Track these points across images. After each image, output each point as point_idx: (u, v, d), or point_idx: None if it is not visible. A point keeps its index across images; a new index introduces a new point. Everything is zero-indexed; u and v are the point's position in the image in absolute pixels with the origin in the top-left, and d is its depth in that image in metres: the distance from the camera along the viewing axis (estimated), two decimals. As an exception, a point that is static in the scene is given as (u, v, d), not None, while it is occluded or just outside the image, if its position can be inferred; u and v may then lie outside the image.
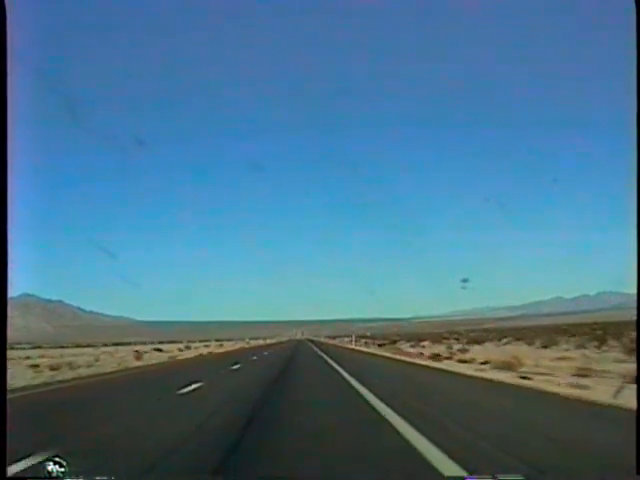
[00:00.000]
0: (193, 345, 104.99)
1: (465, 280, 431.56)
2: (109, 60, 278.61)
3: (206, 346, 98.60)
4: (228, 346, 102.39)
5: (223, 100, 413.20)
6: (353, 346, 78.93)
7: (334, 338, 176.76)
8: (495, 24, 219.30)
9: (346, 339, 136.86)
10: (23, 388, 18.51)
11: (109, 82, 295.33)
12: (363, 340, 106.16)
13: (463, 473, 5.84)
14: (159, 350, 73.04)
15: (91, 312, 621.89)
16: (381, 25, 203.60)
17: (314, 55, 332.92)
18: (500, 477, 4.82)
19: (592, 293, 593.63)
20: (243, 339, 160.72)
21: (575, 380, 15.87)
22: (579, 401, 11.96)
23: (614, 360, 24.56)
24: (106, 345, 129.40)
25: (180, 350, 73.77)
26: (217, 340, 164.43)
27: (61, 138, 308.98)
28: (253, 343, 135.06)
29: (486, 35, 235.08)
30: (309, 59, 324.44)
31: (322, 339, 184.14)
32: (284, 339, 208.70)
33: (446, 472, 5.92)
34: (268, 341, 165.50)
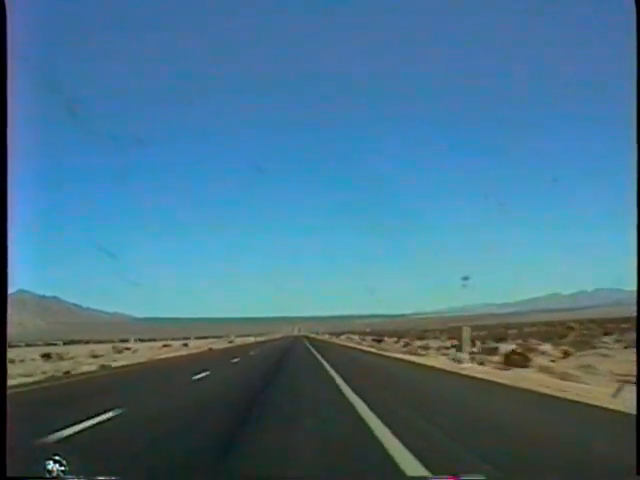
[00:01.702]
0: (149, 345, 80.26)
1: (466, 278, 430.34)
2: (109, 60, 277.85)
3: (165, 346, 75.85)
4: (198, 346, 77.80)
5: (224, 100, 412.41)
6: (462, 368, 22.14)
7: (338, 335, 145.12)
8: (494, 23, 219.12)
9: (355, 337, 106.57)
10: None
11: (109, 82, 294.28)
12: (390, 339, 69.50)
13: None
14: (47, 356, 44.21)
15: (87, 309, 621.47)
16: (381, 24, 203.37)
17: (315, 54, 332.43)
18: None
19: (589, 289, 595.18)
20: (228, 336, 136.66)
21: None
22: None
23: None
24: (90, 342, 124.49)
25: (94, 357, 43.47)
26: (198, 337, 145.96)
27: (60, 137, 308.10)
28: (238, 341, 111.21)
29: (485, 35, 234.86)
30: (310, 59, 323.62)
31: (325, 336, 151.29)
32: (278, 336, 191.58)
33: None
34: (259, 339, 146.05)
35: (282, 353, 43.56)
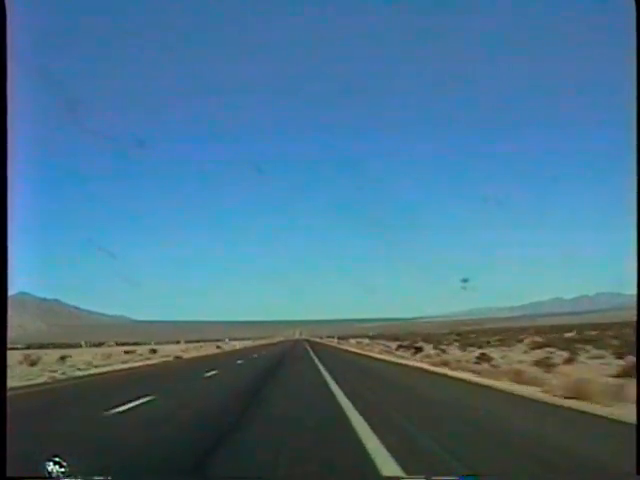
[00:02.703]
0: (109, 351, 65.55)
1: (465, 280, 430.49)
2: (109, 60, 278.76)
3: (127, 352, 60.47)
4: (169, 353, 59.61)
5: (224, 100, 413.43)
6: None
7: (344, 339, 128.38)
8: (495, 24, 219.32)
9: (366, 341, 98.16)
10: None
11: (109, 82, 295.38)
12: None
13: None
14: None
15: (88, 311, 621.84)
16: (381, 26, 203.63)
17: (314, 55, 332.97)
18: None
19: (591, 294, 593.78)
20: (222, 340, 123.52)
21: None
22: None
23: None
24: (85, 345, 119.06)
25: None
26: (188, 341, 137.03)
27: (60, 137, 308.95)
28: (228, 347, 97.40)
29: (485, 35, 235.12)
30: (309, 59, 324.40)
31: (334, 341, 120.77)
32: (275, 340, 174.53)
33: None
34: (257, 342, 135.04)
35: (276, 363, 35.40)
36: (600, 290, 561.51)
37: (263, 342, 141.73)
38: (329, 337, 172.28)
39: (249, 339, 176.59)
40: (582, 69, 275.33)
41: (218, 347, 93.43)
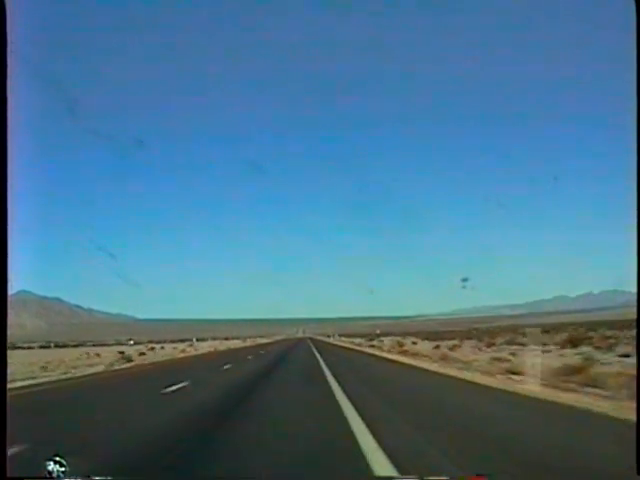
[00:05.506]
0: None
1: (465, 279, 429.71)
2: (109, 60, 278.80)
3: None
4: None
5: (223, 100, 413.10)
6: None
7: (371, 339, 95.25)
8: (494, 23, 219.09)
9: (387, 341, 74.86)
10: None
11: (109, 82, 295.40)
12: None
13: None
14: None
15: (90, 310, 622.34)
16: (380, 24, 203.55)
17: (316, 54, 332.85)
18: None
19: (596, 291, 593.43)
20: (190, 339, 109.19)
21: None
22: None
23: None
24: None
25: None
26: (150, 341, 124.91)
27: (60, 137, 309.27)
28: (189, 350, 72.16)
29: (485, 34, 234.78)
30: (310, 58, 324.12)
31: (357, 344, 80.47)
32: (269, 340, 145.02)
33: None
34: (247, 343, 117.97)
35: None
36: (605, 288, 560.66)
37: (250, 343, 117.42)
38: (341, 335, 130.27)
39: (239, 338, 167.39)
40: (582, 69, 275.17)
41: (151, 349, 65.90)
